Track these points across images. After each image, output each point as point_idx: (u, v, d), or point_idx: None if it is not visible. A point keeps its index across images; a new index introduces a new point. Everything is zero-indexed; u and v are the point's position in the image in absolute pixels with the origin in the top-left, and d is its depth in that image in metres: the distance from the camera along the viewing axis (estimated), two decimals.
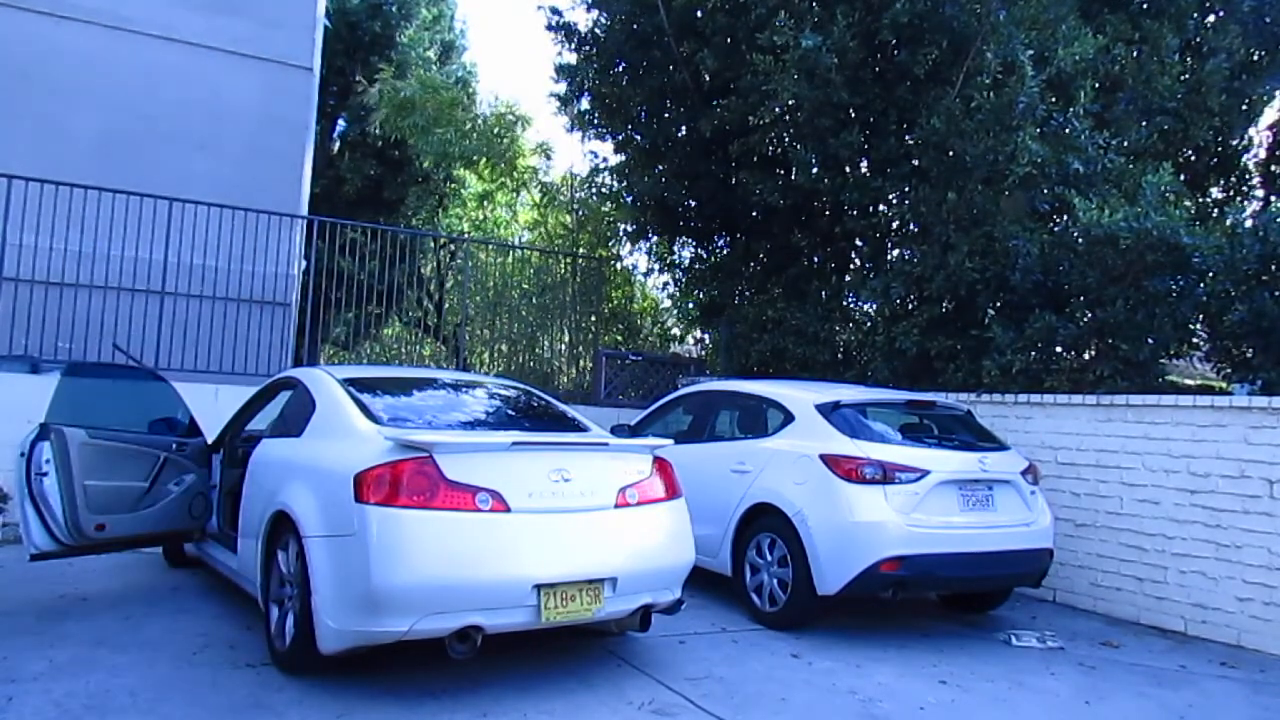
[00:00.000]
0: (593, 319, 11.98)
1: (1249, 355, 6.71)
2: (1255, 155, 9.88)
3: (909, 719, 4.13)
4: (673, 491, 4.63)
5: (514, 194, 15.51)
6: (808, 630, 5.44)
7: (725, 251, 11.28)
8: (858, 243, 9.96)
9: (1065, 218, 7.87)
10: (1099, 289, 7.11)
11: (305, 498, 4.14)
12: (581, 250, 12.97)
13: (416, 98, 13.10)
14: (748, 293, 10.69)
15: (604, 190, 12.82)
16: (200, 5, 10.81)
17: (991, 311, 8.07)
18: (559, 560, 4.04)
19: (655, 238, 11.87)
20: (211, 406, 6.86)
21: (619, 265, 13.54)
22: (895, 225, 9.51)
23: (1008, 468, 5.76)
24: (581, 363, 11.58)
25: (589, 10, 10.72)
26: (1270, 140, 9.73)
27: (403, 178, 17.65)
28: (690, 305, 12.51)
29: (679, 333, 13.85)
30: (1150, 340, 6.98)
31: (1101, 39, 8.22)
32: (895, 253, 9.34)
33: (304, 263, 11.00)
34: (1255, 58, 9.35)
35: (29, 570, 5.49)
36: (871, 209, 9.45)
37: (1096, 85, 8.12)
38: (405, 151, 16.48)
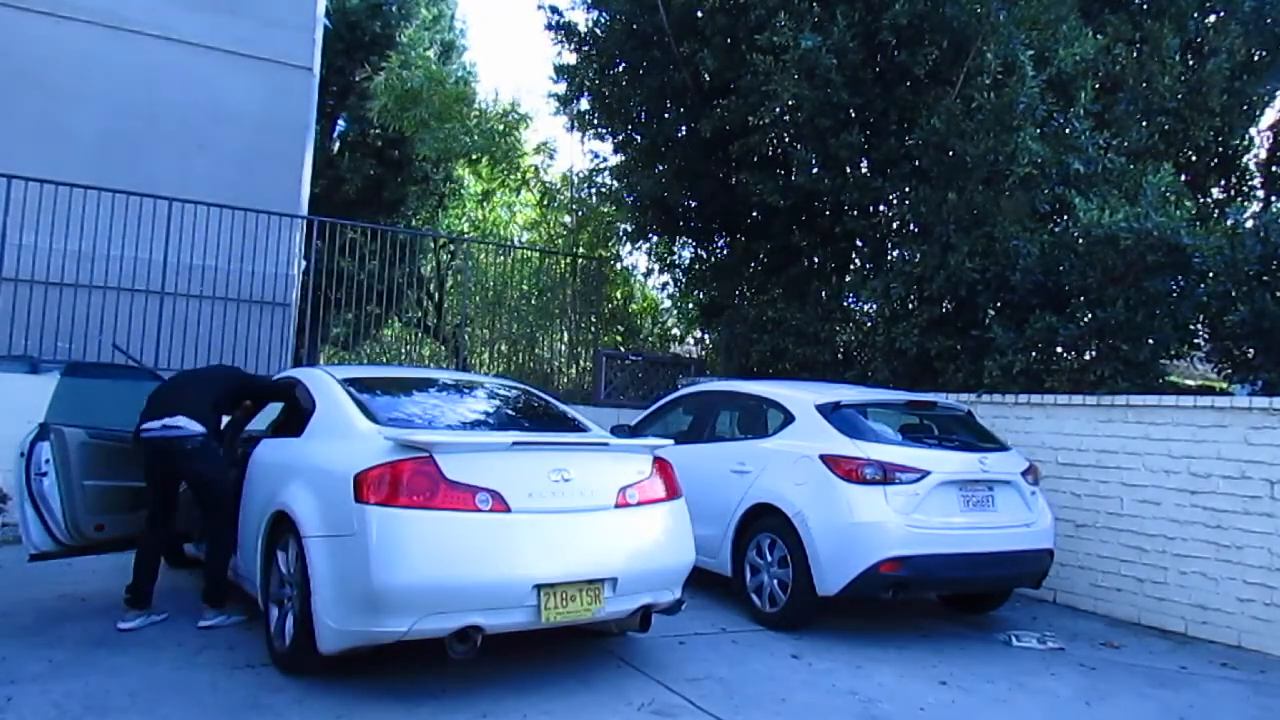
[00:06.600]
0: (593, 319, 11.98)
1: (1250, 356, 6.71)
2: (1256, 155, 9.86)
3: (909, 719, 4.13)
4: (673, 492, 4.62)
5: (514, 193, 15.50)
6: (808, 631, 5.43)
7: (725, 252, 11.28)
8: (858, 243, 9.96)
9: (1065, 218, 7.87)
10: (1099, 289, 7.10)
11: (305, 498, 4.14)
12: (581, 250, 12.96)
13: (422, 89, 13.05)
14: (748, 293, 10.68)
15: (604, 190, 12.82)
16: (200, 5, 10.80)
17: (992, 312, 8.06)
18: (559, 560, 4.04)
19: (655, 238, 11.86)
20: None
21: (619, 265, 13.54)
22: (895, 225, 9.50)
23: (1008, 468, 5.75)
24: (581, 363, 11.58)
25: (589, 10, 10.72)
26: (1271, 140, 9.72)
27: (403, 178, 17.65)
28: (690, 305, 12.52)
29: (679, 333, 13.85)
30: (1151, 341, 6.98)
31: (1102, 39, 8.22)
32: (895, 253, 9.33)
33: (304, 263, 11.01)
34: (1256, 58, 9.34)
35: (29, 570, 5.48)
36: (872, 209, 9.44)
37: (1097, 85, 8.12)
38: (405, 151, 16.49)
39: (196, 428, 4.87)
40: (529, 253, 12.95)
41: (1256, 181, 9.83)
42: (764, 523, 5.73)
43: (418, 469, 3.86)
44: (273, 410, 5.76)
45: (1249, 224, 6.74)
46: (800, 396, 6.04)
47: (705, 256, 11.58)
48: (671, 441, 4.92)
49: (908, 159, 8.80)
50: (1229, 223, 6.99)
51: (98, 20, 10.25)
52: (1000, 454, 5.85)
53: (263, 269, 9.55)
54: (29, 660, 4.20)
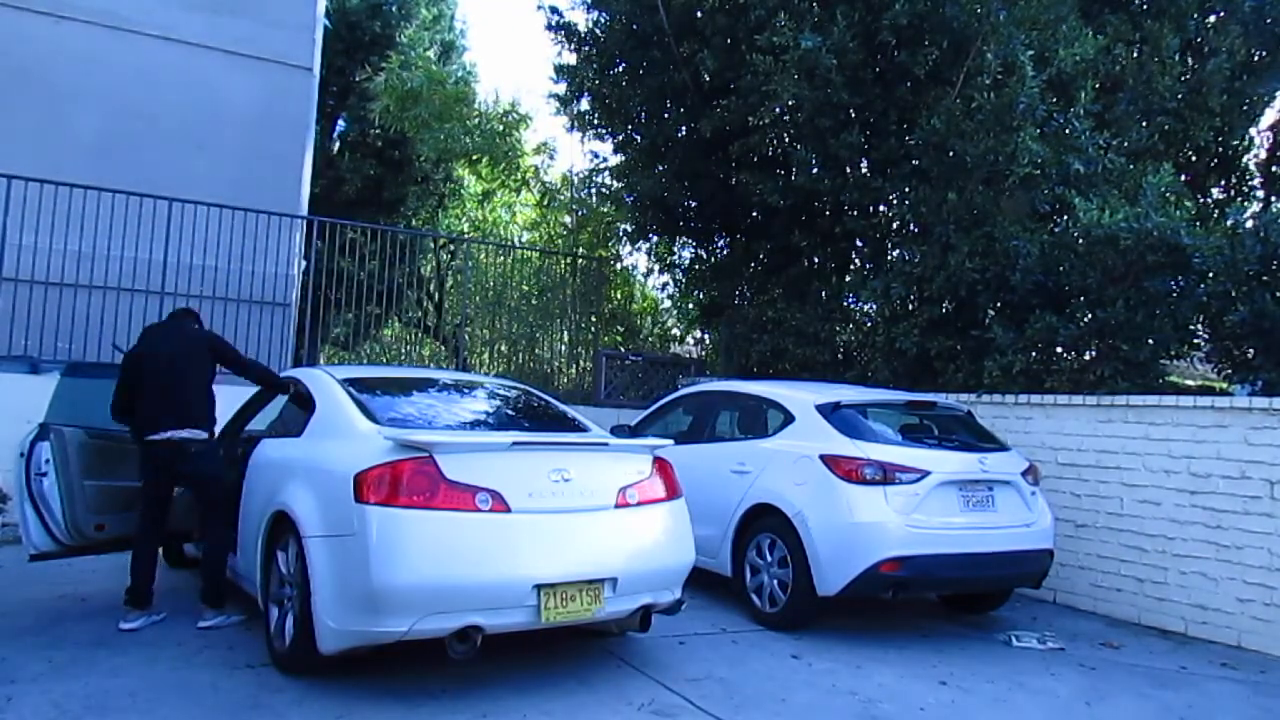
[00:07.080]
0: (593, 319, 11.98)
1: (1249, 356, 6.71)
2: (1256, 155, 9.88)
3: None
4: (673, 492, 4.62)
5: (514, 194, 15.50)
6: (808, 631, 5.43)
7: (725, 252, 11.28)
8: (858, 243, 9.96)
9: (1065, 218, 7.87)
10: (1099, 289, 7.10)
11: (305, 498, 4.14)
12: (581, 250, 12.97)
13: (422, 90, 13.06)
14: (748, 293, 10.68)
15: (604, 190, 12.82)
16: (200, 5, 10.81)
17: (992, 312, 8.07)
18: (559, 560, 4.03)
19: (655, 238, 11.87)
20: None
21: (619, 265, 13.54)
22: (895, 225, 9.50)
23: (1008, 468, 5.75)
24: (581, 363, 11.58)
25: (589, 10, 10.72)
26: (1271, 140, 9.72)
27: (403, 178, 17.64)
28: (690, 305, 12.52)
29: (679, 333, 13.85)
30: (1151, 341, 6.98)
31: (1102, 39, 8.22)
32: (895, 253, 9.33)
33: (304, 263, 11.01)
34: (1256, 58, 9.35)
35: (29, 570, 5.48)
36: (871, 209, 9.44)
37: (1097, 85, 8.12)
38: (405, 151, 16.49)
39: (201, 434, 4.92)
40: (529, 253, 12.95)
41: (1256, 181, 9.84)
42: (764, 523, 5.72)
43: (418, 469, 3.86)
44: (273, 410, 5.76)
45: (1249, 224, 6.74)
46: (800, 396, 6.04)
47: (705, 256, 11.59)
48: (671, 441, 4.92)
49: (908, 159, 8.80)
50: (1229, 223, 6.99)
51: (98, 20, 10.25)
52: (1000, 454, 5.85)
53: (263, 269, 9.55)
54: (29, 660, 4.20)
